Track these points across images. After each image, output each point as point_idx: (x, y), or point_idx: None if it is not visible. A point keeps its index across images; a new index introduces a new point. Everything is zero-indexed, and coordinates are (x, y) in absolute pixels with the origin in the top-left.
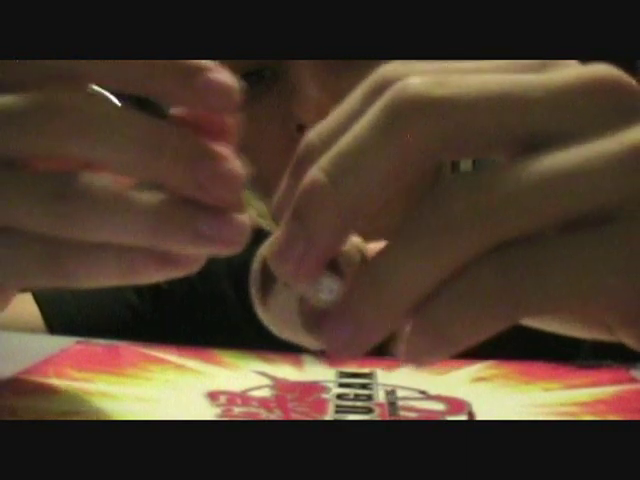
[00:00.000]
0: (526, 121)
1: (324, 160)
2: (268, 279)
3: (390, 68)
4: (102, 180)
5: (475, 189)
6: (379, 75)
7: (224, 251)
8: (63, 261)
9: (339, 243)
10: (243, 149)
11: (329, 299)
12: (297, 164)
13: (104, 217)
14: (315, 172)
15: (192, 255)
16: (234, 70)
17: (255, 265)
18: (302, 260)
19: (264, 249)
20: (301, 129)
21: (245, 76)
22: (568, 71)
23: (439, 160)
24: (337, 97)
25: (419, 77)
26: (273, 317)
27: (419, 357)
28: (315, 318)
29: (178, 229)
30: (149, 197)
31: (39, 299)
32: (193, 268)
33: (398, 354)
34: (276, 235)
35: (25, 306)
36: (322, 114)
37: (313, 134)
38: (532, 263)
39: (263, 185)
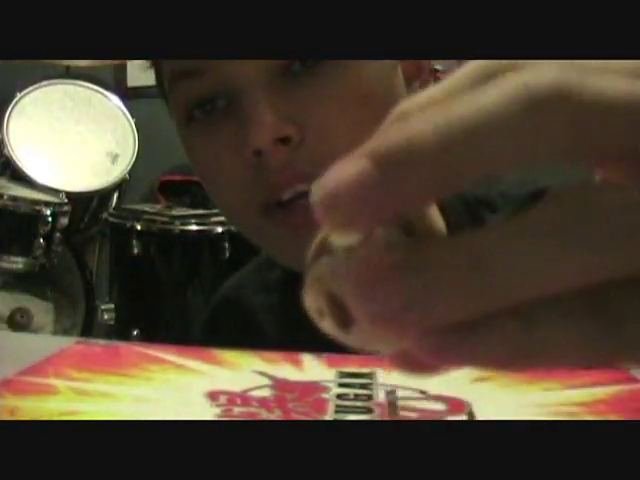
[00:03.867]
0: None
1: (435, 115)
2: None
3: (497, 63)
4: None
5: None
6: (490, 63)
7: None
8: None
9: (424, 202)
10: (201, 177)
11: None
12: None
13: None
14: (420, 124)
15: None
16: (188, 100)
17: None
18: (383, 203)
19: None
20: (258, 154)
21: (199, 105)
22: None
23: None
24: (289, 118)
25: (559, 68)
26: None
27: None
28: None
29: None
30: None
31: None
32: None
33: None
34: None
35: None
36: (276, 136)
37: (409, 103)
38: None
39: (226, 212)
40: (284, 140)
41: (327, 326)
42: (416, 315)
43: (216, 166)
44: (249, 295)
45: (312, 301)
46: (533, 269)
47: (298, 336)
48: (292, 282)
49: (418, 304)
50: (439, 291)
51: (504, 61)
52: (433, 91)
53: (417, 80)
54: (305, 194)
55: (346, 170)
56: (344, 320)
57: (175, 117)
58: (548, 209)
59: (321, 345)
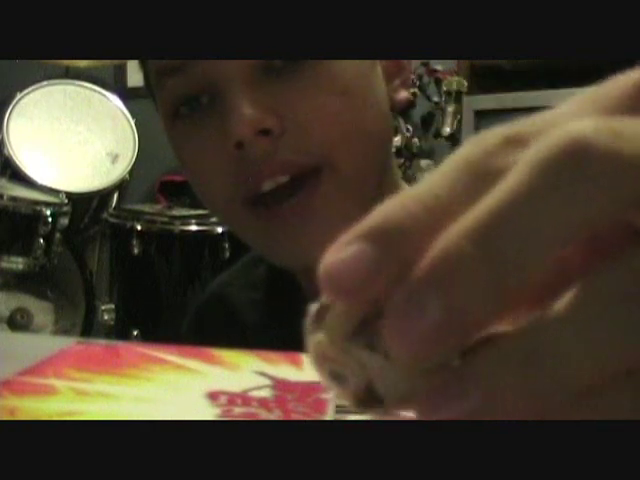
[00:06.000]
0: None
1: (470, 226)
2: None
3: (498, 142)
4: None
5: None
6: (485, 148)
7: None
8: None
9: (479, 328)
10: (187, 172)
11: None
12: (385, 231)
13: None
14: (460, 241)
15: None
16: (173, 97)
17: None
18: (434, 343)
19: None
20: (240, 146)
21: (184, 101)
22: None
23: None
24: (269, 110)
25: (588, 125)
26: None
27: None
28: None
29: None
30: None
31: None
32: None
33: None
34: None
35: None
36: (257, 128)
37: (409, 199)
38: None
39: (211, 206)
40: (265, 132)
41: (342, 392)
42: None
43: (200, 161)
44: (234, 293)
45: (334, 364)
46: (589, 358)
47: (282, 331)
48: (277, 279)
49: (478, 414)
50: (498, 398)
51: (497, 142)
52: (433, 188)
53: (397, 78)
54: (285, 186)
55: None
56: (371, 402)
57: (162, 115)
58: (589, 293)
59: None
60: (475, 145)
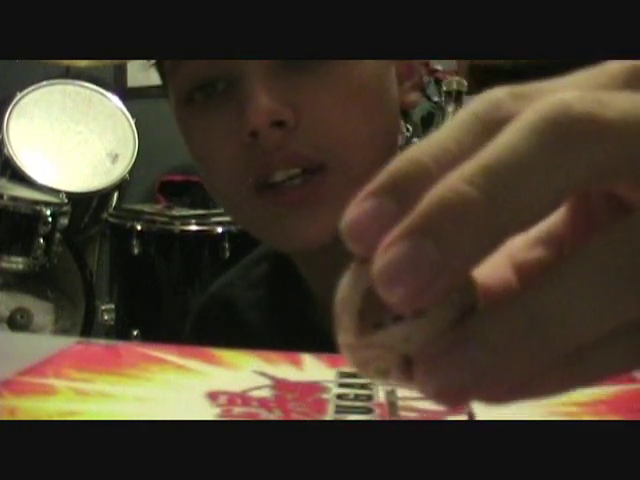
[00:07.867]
0: None
1: (473, 173)
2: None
3: (504, 95)
4: None
5: None
6: (493, 101)
7: None
8: None
9: (472, 268)
10: (196, 157)
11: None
12: (399, 183)
13: None
14: (462, 186)
15: None
16: (190, 81)
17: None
18: (430, 283)
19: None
20: (254, 135)
21: (200, 87)
22: None
23: (599, 188)
24: (286, 103)
25: (576, 94)
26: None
27: None
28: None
29: None
30: None
31: None
32: None
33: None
34: (384, 254)
35: None
36: (272, 119)
37: (419, 152)
38: None
39: (218, 192)
40: (280, 123)
41: (393, 381)
42: (485, 386)
43: (212, 146)
44: (236, 293)
45: (375, 362)
46: (589, 316)
47: (284, 328)
48: (278, 276)
49: (486, 376)
50: (505, 359)
51: (501, 97)
52: (442, 140)
53: (408, 81)
54: (296, 176)
55: (366, 206)
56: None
57: (174, 98)
58: (591, 252)
59: (307, 337)
60: (482, 100)
